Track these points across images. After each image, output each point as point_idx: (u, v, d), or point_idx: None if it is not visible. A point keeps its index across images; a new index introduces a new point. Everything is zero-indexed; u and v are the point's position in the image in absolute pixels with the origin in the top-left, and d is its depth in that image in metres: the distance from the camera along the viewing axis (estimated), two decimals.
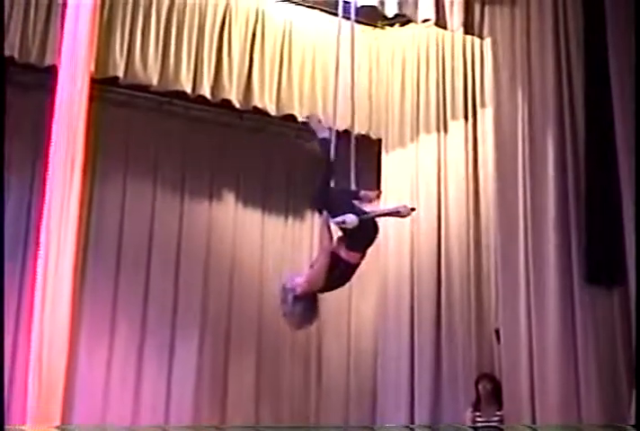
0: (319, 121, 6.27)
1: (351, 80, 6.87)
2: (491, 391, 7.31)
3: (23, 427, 5.96)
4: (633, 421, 5.94)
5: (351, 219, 5.50)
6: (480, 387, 7.39)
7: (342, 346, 9.09)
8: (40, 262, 6.22)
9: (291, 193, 9.16)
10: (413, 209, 5.95)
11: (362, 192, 6.24)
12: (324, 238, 5.81)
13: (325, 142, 6.03)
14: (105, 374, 8.13)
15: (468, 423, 7.30)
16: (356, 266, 5.71)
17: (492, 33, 7.70)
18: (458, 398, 7.85)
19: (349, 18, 7.10)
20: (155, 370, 8.39)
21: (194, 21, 8.05)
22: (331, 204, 5.79)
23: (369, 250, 5.79)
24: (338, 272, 5.65)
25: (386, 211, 5.92)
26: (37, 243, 6.55)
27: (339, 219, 5.56)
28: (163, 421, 8.27)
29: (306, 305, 5.62)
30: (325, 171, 5.96)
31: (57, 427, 5.86)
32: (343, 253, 5.62)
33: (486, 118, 8.15)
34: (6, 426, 6.55)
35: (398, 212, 5.80)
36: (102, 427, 7.79)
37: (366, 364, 9.00)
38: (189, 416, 8.38)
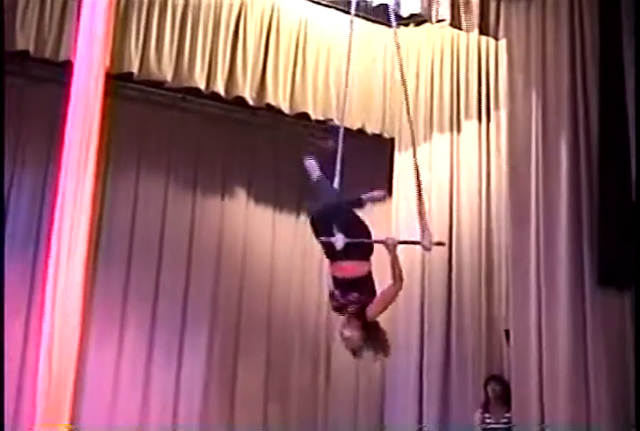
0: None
1: (346, 77, 6.72)
2: (500, 393, 7.31)
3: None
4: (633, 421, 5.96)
5: (340, 243, 5.51)
6: (489, 389, 7.40)
7: None
8: (52, 257, 6.21)
9: (303, 191, 9.13)
10: (400, 242, 5.99)
11: (366, 195, 6.20)
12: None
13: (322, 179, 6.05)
14: (114, 371, 8.14)
15: (477, 424, 7.32)
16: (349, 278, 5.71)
17: (507, 34, 7.68)
18: (467, 399, 7.83)
19: (363, 17, 7.10)
20: (164, 367, 8.39)
21: (209, 18, 8.05)
22: (332, 221, 5.71)
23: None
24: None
25: (373, 239, 5.94)
26: (49, 237, 6.56)
27: (331, 239, 5.57)
28: (171, 419, 8.29)
29: (375, 337, 5.62)
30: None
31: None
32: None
33: (500, 118, 8.13)
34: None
35: (384, 242, 5.82)
36: None
37: (375, 363, 8.98)
38: (197, 413, 8.40)
